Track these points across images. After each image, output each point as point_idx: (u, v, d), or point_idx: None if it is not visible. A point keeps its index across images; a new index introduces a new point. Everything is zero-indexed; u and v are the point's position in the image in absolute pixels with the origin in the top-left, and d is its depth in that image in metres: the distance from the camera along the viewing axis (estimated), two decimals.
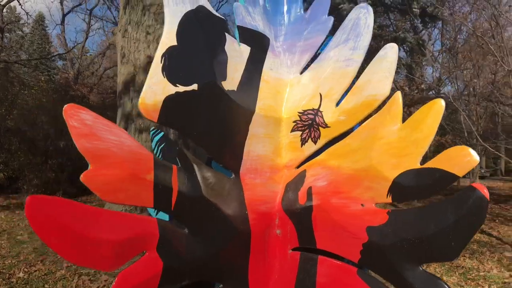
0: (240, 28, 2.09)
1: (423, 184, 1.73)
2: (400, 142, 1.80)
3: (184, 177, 1.85)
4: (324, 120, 2.04)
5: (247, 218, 2.06)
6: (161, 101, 1.76)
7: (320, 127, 2.05)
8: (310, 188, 2.05)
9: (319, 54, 2.15)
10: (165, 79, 1.76)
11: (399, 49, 16.98)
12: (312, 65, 2.15)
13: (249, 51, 2.08)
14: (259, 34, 2.14)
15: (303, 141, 2.10)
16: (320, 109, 2.05)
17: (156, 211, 2.70)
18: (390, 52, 1.88)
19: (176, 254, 1.81)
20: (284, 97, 2.17)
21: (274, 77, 2.15)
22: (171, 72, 1.77)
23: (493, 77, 14.32)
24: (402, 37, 16.46)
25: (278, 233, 2.15)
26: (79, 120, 1.56)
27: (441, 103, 1.74)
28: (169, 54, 1.77)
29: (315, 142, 2.07)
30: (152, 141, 2.80)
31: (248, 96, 2.04)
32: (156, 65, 1.75)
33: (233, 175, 2.05)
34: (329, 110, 2.03)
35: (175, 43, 1.79)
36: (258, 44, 2.13)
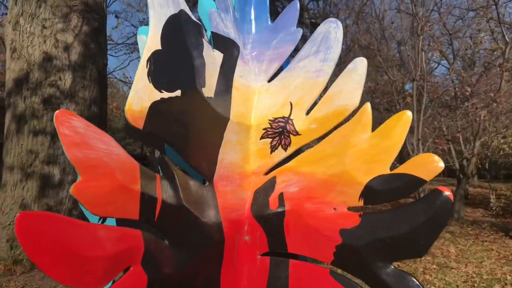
0: (214, 35, 2.07)
1: (394, 188, 1.89)
2: (372, 149, 1.94)
3: (167, 186, 1.78)
4: (295, 128, 2.11)
5: (221, 226, 2.05)
6: (147, 107, 1.68)
7: (291, 135, 2.11)
8: (281, 194, 2.10)
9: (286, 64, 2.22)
10: (151, 84, 1.69)
11: None
12: (281, 74, 2.21)
13: (222, 57, 2.07)
14: (230, 41, 2.15)
15: (273, 148, 2.15)
16: (291, 117, 2.12)
17: (101, 219, 2.55)
18: (360, 66, 2.01)
19: (159, 268, 1.74)
20: (253, 104, 2.20)
21: (244, 84, 2.17)
22: (156, 77, 1.71)
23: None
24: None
25: (247, 239, 2.16)
26: (71, 127, 1.43)
27: (409, 114, 1.92)
28: (154, 58, 1.70)
29: (285, 149, 2.13)
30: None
31: (224, 103, 2.03)
32: (142, 69, 1.67)
33: (207, 183, 2.03)
34: (299, 119, 2.11)
35: (159, 47, 1.73)
36: (230, 51, 2.13)
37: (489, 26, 19.04)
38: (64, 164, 8.39)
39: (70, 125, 1.43)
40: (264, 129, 2.16)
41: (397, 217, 1.88)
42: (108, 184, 1.52)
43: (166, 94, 1.74)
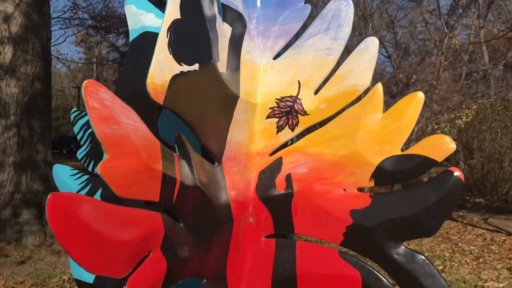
0: (224, 6, 1.96)
1: (406, 169, 1.90)
2: (383, 130, 1.94)
3: (184, 166, 1.67)
4: (303, 107, 2.06)
5: (230, 208, 1.97)
6: (168, 81, 1.55)
7: (299, 115, 2.06)
8: (289, 175, 2.06)
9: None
10: (171, 56, 1.56)
11: None
12: (288, 51, 2.14)
13: (230, 31, 1.97)
14: (239, 15, 2.04)
15: (280, 128, 2.09)
16: (299, 97, 2.06)
17: None
18: (372, 45, 1.99)
19: (177, 252, 1.64)
20: (258, 82, 2.12)
21: (250, 61, 2.08)
22: (176, 48, 1.58)
23: None
24: None
25: (251, 221, 2.10)
26: (100, 100, 1.29)
27: (421, 95, 1.93)
28: (174, 28, 1.57)
29: (292, 130, 2.08)
30: (74, 124, 2.44)
31: (234, 80, 1.93)
32: (163, 39, 1.54)
33: (216, 163, 1.94)
34: (308, 98, 2.06)
35: (179, 16, 1.60)
36: (238, 25, 2.02)
37: (423, 17, 19.93)
38: (4, 144, 7.82)
39: (99, 97, 1.29)
40: (270, 108, 2.10)
41: (408, 197, 1.90)
42: (134, 164, 1.39)
43: (185, 68, 1.62)
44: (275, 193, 2.06)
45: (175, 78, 1.58)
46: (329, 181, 2.00)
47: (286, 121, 2.08)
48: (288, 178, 2.05)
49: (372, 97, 1.97)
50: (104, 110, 1.31)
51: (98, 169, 1.28)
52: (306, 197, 2.02)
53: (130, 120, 1.41)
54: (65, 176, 2.47)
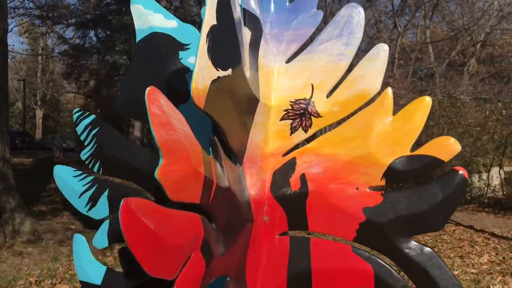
0: (244, 11, 2.00)
1: (415, 168, 2.04)
2: (394, 132, 2.07)
3: (218, 168, 1.71)
4: (316, 110, 2.14)
5: (251, 207, 2.03)
6: (208, 86, 1.58)
7: (312, 117, 2.15)
8: (303, 174, 2.14)
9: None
10: (210, 61, 1.59)
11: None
12: (301, 55, 2.21)
13: (250, 35, 2.02)
14: (257, 19, 2.09)
15: (293, 130, 2.16)
16: (312, 99, 2.15)
17: (88, 204, 2.38)
18: (382, 52, 2.11)
19: (212, 252, 1.68)
20: (272, 85, 2.18)
21: (265, 65, 2.14)
22: (214, 54, 1.61)
23: None
24: (199, 21, 16.93)
25: (266, 220, 2.17)
26: (160, 107, 1.31)
27: (428, 99, 2.07)
28: (212, 34, 1.60)
29: (305, 131, 2.16)
30: (77, 124, 2.40)
31: (255, 83, 1.99)
32: (203, 45, 1.56)
33: (238, 164, 1.99)
34: (320, 101, 2.15)
35: (215, 22, 1.63)
36: (257, 29, 2.07)
37: (374, 15, 20.63)
38: None
39: (159, 104, 1.31)
40: (285, 110, 2.17)
41: (417, 195, 2.04)
42: (185, 168, 1.42)
43: (221, 73, 1.65)
44: (290, 192, 2.14)
45: (213, 83, 1.61)
46: (343, 181, 2.10)
47: (300, 122, 2.16)
48: (303, 177, 2.14)
49: (383, 101, 2.09)
50: (163, 116, 1.33)
51: (156, 174, 1.30)
52: (320, 196, 2.11)
53: (181, 125, 1.43)
54: (67, 178, 2.42)
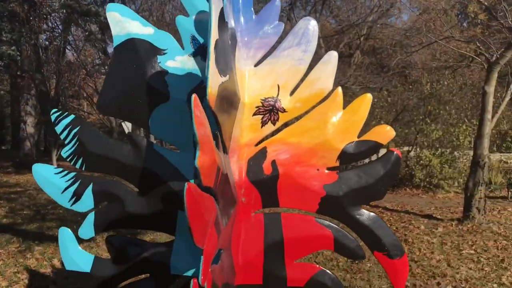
0: (226, 23, 2.33)
1: (362, 151, 2.57)
2: (344, 123, 2.57)
3: (220, 157, 2.04)
4: (282, 106, 2.57)
5: (235, 191, 2.40)
6: (216, 90, 1.91)
7: (279, 112, 2.57)
8: (274, 161, 2.56)
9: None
10: (216, 69, 1.92)
11: (91, 24, 16.78)
12: (267, 60, 2.60)
13: (229, 43, 2.36)
14: (233, 29, 2.43)
15: (263, 123, 2.57)
16: (279, 97, 2.57)
17: (72, 198, 2.55)
18: (333, 58, 2.59)
19: (219, 228, 2.03)
20: (245, 85, 2.55)
21: (238, 68, 2.49)
22: (218, 63, 1.94)
23: None
24: (94, 10, 16.32)
25: (243, 200, 2.55)
26: (200, 110, 1.62)
27: (370, 96, 2.61)
28: (216, 46, 1.92)
29: (274, 124, 2.58)
30: (56, 124, 2.55)
31: (236, 84, 2.34)
32: (212, 57, 1.88)
33: (226, 154, 2.33)
34: (285, 98, 2.58)
35: (217, 36, 1.96)
36: (234, 38, 2.42)
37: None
38: None
39: (200, 108, 1.62)
40: (256, 107, 2.55)
41: (364, 172, 2.57)
42: (210, 158, 1.75)
43: (223, 78, 1.99)
44: (263, 176, 2.55)
45: (219, 87, 1.94)
46: (306, 164, 2.56)
47: (269, 117, 2.56)
48: (274, 163, 2.55)
49: (335, 97, 2.58)
50: (201, 116, 1.64)
51: (197, 163, 1.62)
52: (289, 177, 2.55)
53: (207, 124, 1.75)
54: (48, 175, 2.54)
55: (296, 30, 2.60)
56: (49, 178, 2.55)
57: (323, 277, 2.59)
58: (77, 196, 2.54)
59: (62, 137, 2.57)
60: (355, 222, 2.55)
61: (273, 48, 2.63)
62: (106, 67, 19.98)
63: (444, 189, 12.39)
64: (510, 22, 9.95)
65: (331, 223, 2.61)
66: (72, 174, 2.56)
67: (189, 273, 2.53)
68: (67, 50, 17.47)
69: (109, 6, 2.57)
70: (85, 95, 18.57)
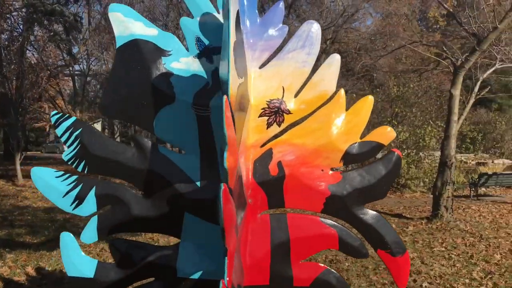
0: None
1: (364, 151, 2.64)
2: (347, 124, 2.63)
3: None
4: (287, 108, 2.60)
5: (245, 192, 2.41)
6: (236, 91, 1.92)
7: (284, 113, 2.60)
8: (280, 162, 2.58)
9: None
10: (235, 72, 1.93)
11: (56, 22, 16.29)
12: (272, 62, 2.62)
13: (239, 45, 2.37)
14: (241, 31, 2.44)
15: (269, 125, 2.59)
16: (284, 99, 2.60)
17: (74, 202, 2.49)
18: (335, 60, 2.65)
19: (238, 229, 2.04)
20: (250, 87, 2.56)
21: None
22: (237, 66, 1.95)
23: None
24: (59, 10, 15.87)
25: (250, 201, 2.56)
26: (230, 112, 1.64)
27: (371, 98, 2.68)
28: (234, 50, 1.94)
29: (279, 125, 2.60)
30: (57, 126, 2.49)
31: (249, 87, 2.36)
32: (232, 60, 1.89)
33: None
34: (290, 100, 2.61)
35: (235, 39, 1.97)
36: (243, 41, 2.43)
37: None
38: None
39: (229, 110, 1.63)
40: (262, 108, 2.57)
41: (367, 172, 2.64)
42: (235, 160, 1.77)
43: (240, 80, 2.00)
44: (270, 177, 2.57)
45: (238, 89, 1.96)
46: (311, 165, 2.60)
47: (274, 118, 2.59)
48: (280, 164, 2.58)
49: (338, 99, 2.64)
50: (230, 118, 1.66)
51: (226, 163, 1.63)
52: (294, 178, 2.58)
53: (233, 125, 1.77)
54: (49, 179, 2.47)
55: (300, 33, 2.64)
56: (50, 182, 2.48)
57: (328, 276, 2.63)
58: (79, 200, 2.48)
59: (63, 139, 2.50)
60: (359, 221, 2.61)
61: (278, 50, 2.66)
62: (71, 68, 19.50)
63: (411, 189, 12.80)
64: (473, 28, 10.43)
65: (335, 223, 2.66)
66: (74, 177, 2.50)
67: (196, 275, 2.52)
68: (29, 51, 16.94)
69: (112, 6, 2.53)
70: (47, 96, 18.01)
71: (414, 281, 5.09)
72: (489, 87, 13.02)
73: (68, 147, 2.50)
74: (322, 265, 2.69)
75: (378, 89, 15.24)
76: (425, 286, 4.93)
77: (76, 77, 21.41)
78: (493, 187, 13.97)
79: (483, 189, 13.41)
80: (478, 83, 10.95)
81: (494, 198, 12.94)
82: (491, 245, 6.94)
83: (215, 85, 2.51)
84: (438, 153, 10.71)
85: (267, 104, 2.58)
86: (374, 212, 2.66)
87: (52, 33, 15.78)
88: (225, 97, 1.62)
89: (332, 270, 2.68)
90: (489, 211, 10.60)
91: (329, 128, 2.61)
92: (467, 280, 5.14)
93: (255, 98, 2.58)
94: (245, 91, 2.21)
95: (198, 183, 2.51)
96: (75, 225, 7.76)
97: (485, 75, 11.16)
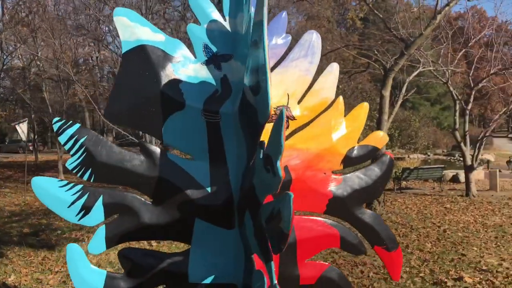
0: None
1: (362, 154, 2.82)
2: (346, 129, 2.79)
3: None
4: (292, 114, 2.70)
5: None
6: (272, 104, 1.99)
7: (289, 119, 2.70)
8: (286, 166, 2.68)
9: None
10: (271, 86, 1.99)
11: None
12: (277, 69, 2.69)
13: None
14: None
15: None
16: (288, 106, 2.70)
17: (80, 212, 2.42)
18: (335, 69, 2.80)
19: None
20: None
21: None
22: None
23: None
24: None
25: None
26: (286, 122, 1.70)
27: (366, 104, 2.87)
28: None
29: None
30: (60, 134, 2.39)
31: None
32: (269, 75, 1.96)
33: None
34: (294, 107, 2.71)
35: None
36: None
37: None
38: None
39: (285, 118, 1.69)
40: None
41: (364, 174, 2.82)
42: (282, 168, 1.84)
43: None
44: None
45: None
46: (315, 168, 2.73)
47: None
48: (286, 169, 2.67)
49: (337, 106, 2.79)
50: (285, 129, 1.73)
51: (281, 174, 1.70)
52: (300, 181, 2.69)
53: None
54: (52, 189, 2.35)
55: (302, 43, 2.75)
56: (53, 192, 2.36)
57: (331, 273, 2.78)
58: (86, 210, 2.39)
59: (66, 148, 2.39)
60: (359, 220, 2.78)
61: (282, 58, 2.75)
62: None
63: None
64: (401, 34, 11.21)
65: (338, 223, 2.80)
66: (79, 186, 2.40)
67: (208, 280, 2.54)
68: None
69: (117, 10, 2.47)
70: None
71: (362, 272, 5.43)
72: (415, 88, 14.06)
73: (72, 155, 2.40)
74: (326, 262, 2.83)
75: None
76: (371, 276, 5.29)
77: None
78: (413, 180, 15.28)
79: (404, 182, 14.61)
80: (405, 85, 11.86)
81: (415, 191, 14.16)
82: (421, 235, 7.59)
83: (224, 92, 2.54)
84: None
85: (274, 111, 2.66)
86: (372, 212, 2.85)
87: None
88: (283, 107, 1.68)
89: (334, 267, 2.83)
90: (414, 203, 11.54)
91: (330, 133, 2.75)
92: (407, 269, 5.63)
93: None
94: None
95: (208, 189, 2.53)
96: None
97: (411, 77, 12.13)
